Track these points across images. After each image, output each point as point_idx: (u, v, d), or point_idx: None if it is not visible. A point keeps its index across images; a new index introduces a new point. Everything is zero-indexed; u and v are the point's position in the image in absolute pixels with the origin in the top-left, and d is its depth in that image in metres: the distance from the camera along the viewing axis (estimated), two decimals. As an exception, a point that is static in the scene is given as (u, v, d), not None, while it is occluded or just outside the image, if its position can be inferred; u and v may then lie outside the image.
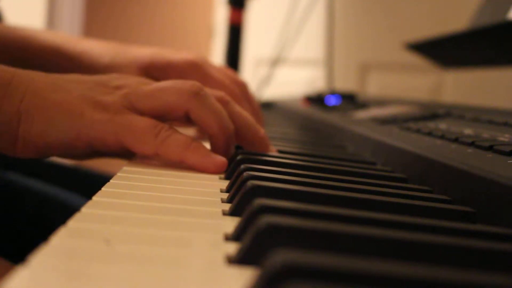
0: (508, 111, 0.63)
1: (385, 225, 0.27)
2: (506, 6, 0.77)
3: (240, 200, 0.32)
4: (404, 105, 0.82)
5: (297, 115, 1.14)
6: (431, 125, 0.58)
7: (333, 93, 1.12)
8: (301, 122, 1.04)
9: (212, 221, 0.30)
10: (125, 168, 0.43)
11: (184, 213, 0.31)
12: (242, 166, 0.39)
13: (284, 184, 0.34)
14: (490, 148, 0.40)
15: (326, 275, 0.18)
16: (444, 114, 0.64)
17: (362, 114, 0.80)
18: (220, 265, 0.23)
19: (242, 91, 0.63)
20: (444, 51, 1.03)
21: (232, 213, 0.32)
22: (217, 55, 2.49)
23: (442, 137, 0.48)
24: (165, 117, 0.46)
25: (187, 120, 0.47)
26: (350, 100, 1.05)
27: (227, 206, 0.34)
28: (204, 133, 0.53)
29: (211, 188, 0.39)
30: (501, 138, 0.43)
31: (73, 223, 0.27)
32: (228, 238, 0.27)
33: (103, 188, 0.34)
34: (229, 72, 0.66)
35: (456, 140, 0.45)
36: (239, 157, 0.44)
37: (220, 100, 0.48)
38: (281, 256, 0.19)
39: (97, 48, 0.65)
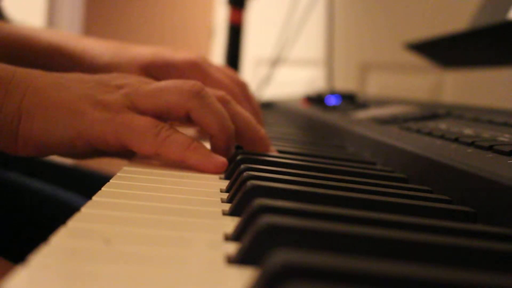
0: (508, 111, 0.63)
1: (385, 225, 0.27)
2: (506, 6, 0.77)
3: (240, 200, 0.32)
4: (404, 105, 0.82)
5: (297, 115, 1.14)
6: (431, 125, 0.58)
7: (333, 93, 1.12)
8: (301, 122, 1.04)
9: (212, 221, 0.30)
10: (125, 168, 0.43)
11: (184, 213, 0.31)
12: (242, 166, 0.39)
13: (284, 184, 0.34)
14: (490, 148, 0.40)
15: (326, 275, 0.18)
16: (444, 114, 0.64)
17: (362, 114, 0.80)
18: (220, 265, 0.23)
19: (242, 91, 0.63)
20: (444, 51, 1.03)
21: (232, 213, 0.32)
22: (217, 55, 2.49)
23: (442, 137, 0.48)
24: (166, 116, 0.46)
25: (188, 120, 0.47)
26: (350, 100, 1.05)
27: (227, 206, 0.34)
28: (204, 133, 0.53)
29: (211, 188, 0.39)
30: (501, 138, 0.43)
31: (73, 223, 0.27)
32: (228, 238, 0.27)
33: (103, 188, 0.34)
34: (230, 72, 0.66)
35: (456, 140, 0.45)
36: (239, 157, 0.44)
37: (221, 99, 0.48)
38: (281, 256, 0.19)
39: (98, 47, 0.65)
